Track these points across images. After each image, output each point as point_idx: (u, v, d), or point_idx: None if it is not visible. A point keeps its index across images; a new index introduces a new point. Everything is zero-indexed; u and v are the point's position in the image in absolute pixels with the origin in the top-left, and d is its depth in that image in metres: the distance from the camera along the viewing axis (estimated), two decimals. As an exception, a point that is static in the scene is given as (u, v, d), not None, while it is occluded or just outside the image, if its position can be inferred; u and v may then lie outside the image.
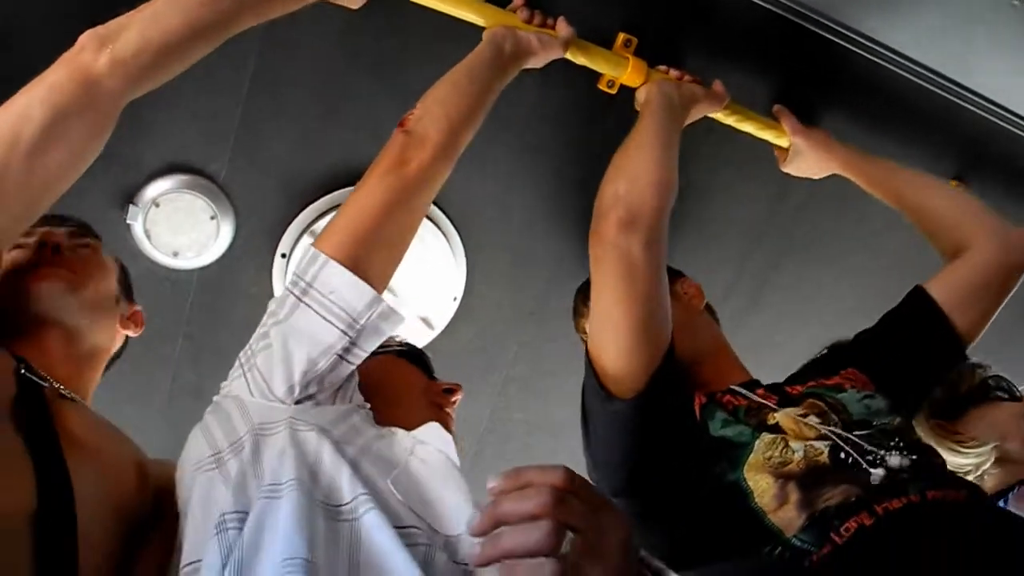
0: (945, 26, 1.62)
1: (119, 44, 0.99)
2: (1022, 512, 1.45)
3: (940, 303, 1.40)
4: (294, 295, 1.07)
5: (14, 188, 0.96)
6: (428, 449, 1.06)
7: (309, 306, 1.05)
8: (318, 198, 1.57)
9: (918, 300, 1.43)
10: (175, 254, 1.54)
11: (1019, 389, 1.70)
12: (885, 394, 1.34)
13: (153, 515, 1.08)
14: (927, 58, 1.67)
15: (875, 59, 1.64)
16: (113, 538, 1.00)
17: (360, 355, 1.09)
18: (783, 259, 1.93)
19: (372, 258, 1.10)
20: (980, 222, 1.45)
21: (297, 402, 1.04)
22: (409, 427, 1.11)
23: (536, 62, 1.38)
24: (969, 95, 1.74)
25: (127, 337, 1.34)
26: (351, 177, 1.57)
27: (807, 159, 1.63)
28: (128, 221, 1.49)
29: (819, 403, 1.28)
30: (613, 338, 1.25)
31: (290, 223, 1.58)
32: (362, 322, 1.06)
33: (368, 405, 1.13)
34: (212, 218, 1.52)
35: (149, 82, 1.05)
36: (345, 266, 1.06)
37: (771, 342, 2.03)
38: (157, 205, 1.50)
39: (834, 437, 1.19)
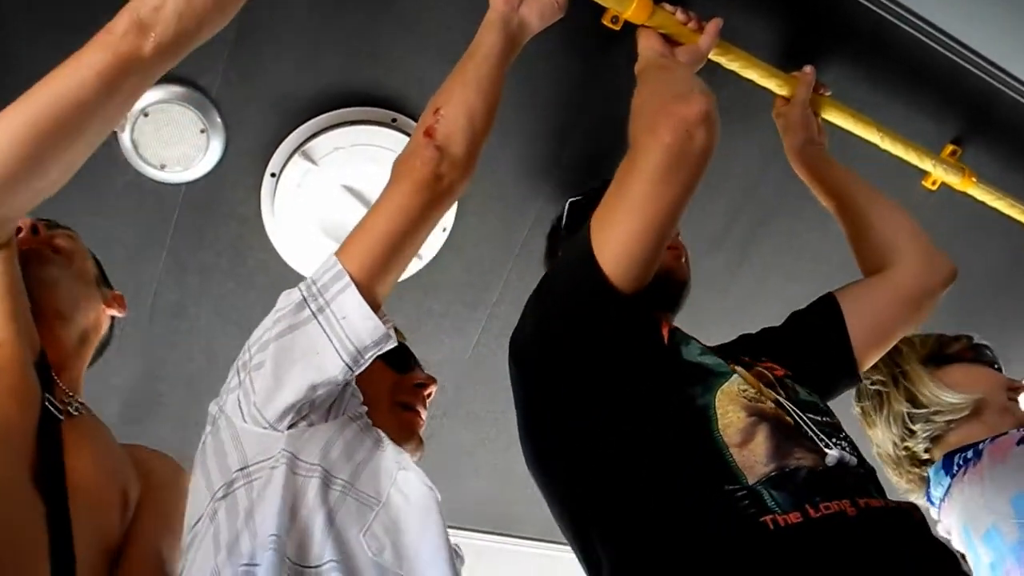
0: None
1: (160, 30, 1.01)
2: (995, 462, 1.49)
3: (846, 316, 1.41)
4: (310, 309, 1.07)
5: (53, 167, 1.01)
6: (410, 480, 1.07)
7: (321, 325, 1.06)
8: (311, 118, 1.54)
9: (825, 309, 1.44)
10: (162, 166, 1.52)
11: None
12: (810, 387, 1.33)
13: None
14: (934, 16, 1.65)
15: (882, 12, 1.61)
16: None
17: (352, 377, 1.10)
18: (774, 214, 1.92)
19: (387, 280, 1.12)
20: (911, 244, 1.47)
21: (290, 426, 1.05)
22: (380, 429, 1.15)
23: (537, 30, 1.36)
24: (974, 57, 1.72)
25: (113, 320, 1.36)
26: (345, 99, 1.55)
27: (785, 127, 1.63)
28: (115, 130, 1.47)
29: (767, 375, 1.28)
30: (640, 218, 1.15)
31: (281, 142, 1.55)
32: (367, 356, 1.08)
33: (366, 409, 1.16)
34: (202, 131, 1.49)
35: (185, 53, 1.08)
36: (362, 289, 1.06)
37: (761, 295, 2.04)
38: (146, 115, 1.47)
39: (792, 408, 1.19)
